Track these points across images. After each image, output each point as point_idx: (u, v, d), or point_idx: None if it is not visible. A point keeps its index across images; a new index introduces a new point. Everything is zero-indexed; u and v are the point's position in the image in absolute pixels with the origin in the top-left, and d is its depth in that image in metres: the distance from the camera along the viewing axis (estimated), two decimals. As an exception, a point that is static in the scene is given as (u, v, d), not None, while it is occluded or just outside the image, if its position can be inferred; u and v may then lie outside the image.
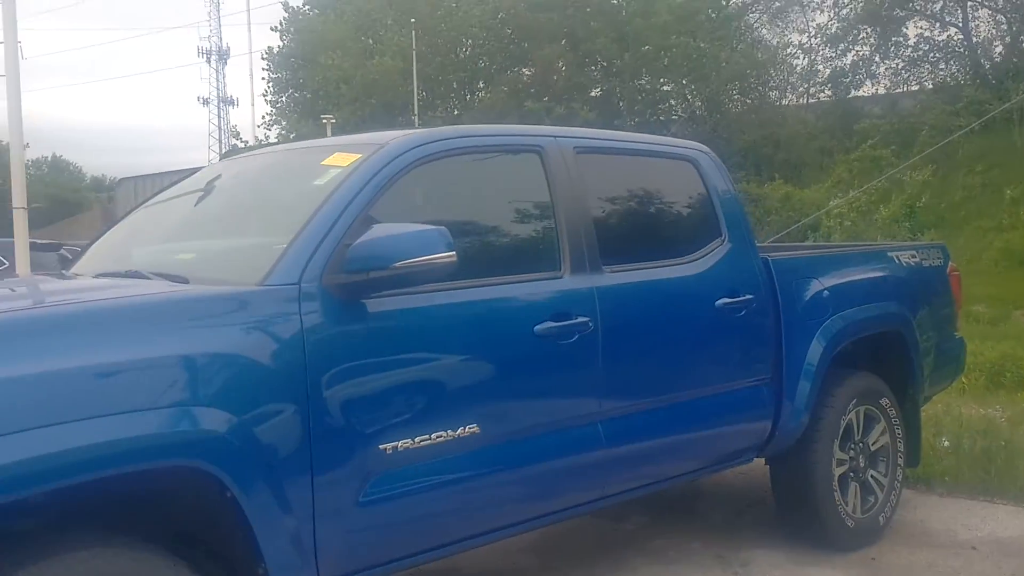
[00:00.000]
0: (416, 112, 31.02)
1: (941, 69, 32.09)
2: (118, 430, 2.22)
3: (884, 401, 4.56)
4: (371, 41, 35.16)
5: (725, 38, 32.44)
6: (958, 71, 31.24)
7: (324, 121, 27.82)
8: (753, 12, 34.99)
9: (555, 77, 33.46)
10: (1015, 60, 29.20)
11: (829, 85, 33.91)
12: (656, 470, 3.77)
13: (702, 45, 31.68)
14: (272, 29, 38.63)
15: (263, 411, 2.49)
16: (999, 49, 31.18)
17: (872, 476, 4.52)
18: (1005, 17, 30.69)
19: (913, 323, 4.69)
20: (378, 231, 2.75)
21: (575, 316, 3.30)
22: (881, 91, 33.35)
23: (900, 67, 32.89)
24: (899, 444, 4.64)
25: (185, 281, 2.82)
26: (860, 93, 33.67)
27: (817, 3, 33.75)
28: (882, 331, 4.63)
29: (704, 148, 4.33)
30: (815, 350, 4.17)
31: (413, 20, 32.18)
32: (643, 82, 34.11)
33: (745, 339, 4.00)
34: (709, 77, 31.83)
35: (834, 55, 33.42)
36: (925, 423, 5.23)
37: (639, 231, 3.97)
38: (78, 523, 2.35)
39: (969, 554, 4.35)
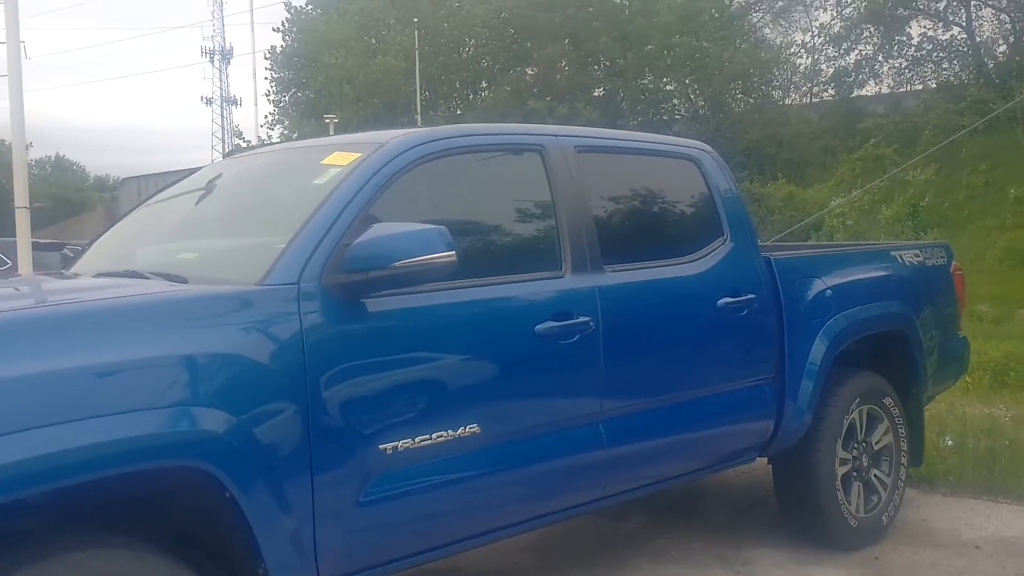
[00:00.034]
0: (419, 112, 31.01)
1: (944, 68, 32.05)
2: (116, 430, 2.21)
3: (887, 400, 4.55)
4: (374, 41, 35.20)
5: (728, 38, 32.41)
6: (962, 70, 31.17)
7: (327, 121, 27.86)
8: (756, 12, 34.95)
9: (558, 76, 33.45)
10: (1019, 59, 29.15)
11: (832, 84, 33.89)
12: (658, 470, 3.76)
13: (705, 44, 31.66)
14: (274, 30, 38.72)
15: (262, 411, 2.48)
16: (1003, 48, 31.13)
17: (875, 475, 4.50)
18: (1009, 16, 30.63)
19: (916, 322, 4.68)
20: (378, 230, 2.74)
21: (576, 316, 3.29)
22: (884, 90, 33.34)
23: (903, 66, 32.85)
24: (902, 443, 4.62)
25: (184, 281, 2.81)
26: (863, 92, 33.66)
27: (820, 2, 33.75)
28: (885, 330, 4.61)
29: (706, 147, 4.32)
30: (818, 349, 4.15)
31: (416, 20, 32.21)
32: (646, 82, 34.11)
33: (747, 339, 3.99)
34: (712, 77, 31.82)
35: (837, 54, 33.41)
36: (928, 422, 5.22)
37: (641, 230, 3.95)
38: (77, 523, 2.35)
39: (973, 553, 4.33)
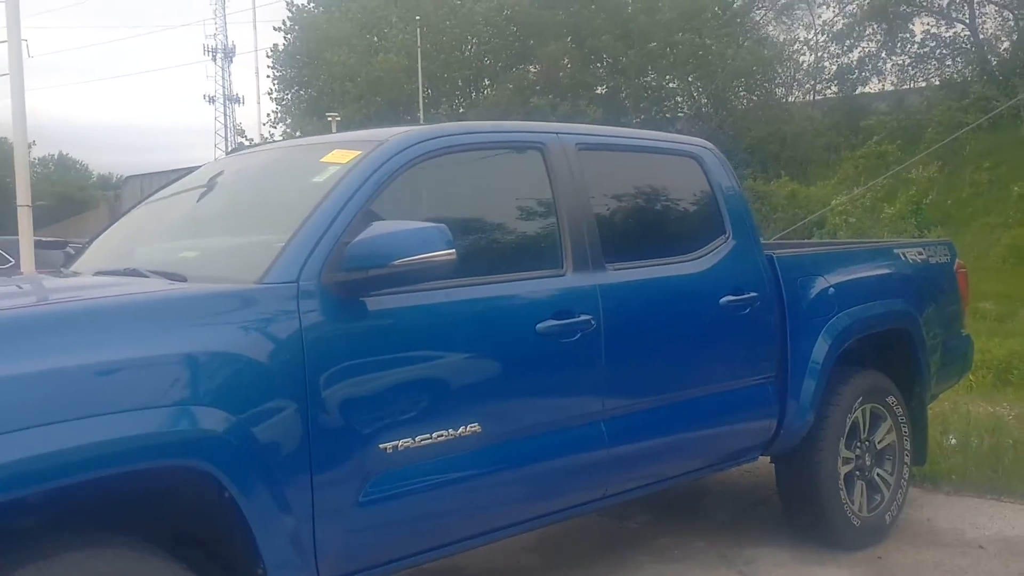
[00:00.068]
0: (421, 110, 31.01)
1: (948, 65, 31.98)
2: (112, 430, 2.19)
3: (890, 399, 4.53)
4: (376, 39, 35.21)
5: (731, 35, 32.36)
6: (965, 67, 31.10)
7: (329, 119, 27.87)
8: (759, 9, 34.89)
9: (560, 74, 33.43)
10: (1022, 56, 29.07)
11: (835, 82, 33.84)
12: (659, 469, 3.74)
13: (708, 42, 31.61)
14: (275, 29, 38.75)
15: (261, 410, 2.47)
16: (1006, 45, 31.03)
17: (878, 474, 4.48)
18: (1012, 13, 30.55)
19: (920, 320, 4.66)
20: (377, 228, 2.73)
21: (577, 314, 3.28)
22: (888, 88, 33.27)
23: (907, 64, 32.81)
24: (905, 442, 4.60)
25: (183, 279, 2.80)
26: (867, 90, 33.61)
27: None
28: (888, 329, 4.59)
29: (708, 144, 4.30)
30: (820, 348, 4.13)
31: (418, 17, 32.20)
32: (648, 79, 34.06)
33: (750, 337, 3.97)
34: (715, 74, 31.77)
35: (840, 52, 33.36)
36: (932, 421, 5.20)
37: (642, 228, 3.94)
38: (77, 523, 2.33)
39: (976, 553, 4.31)
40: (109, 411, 2.20)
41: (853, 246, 5.91)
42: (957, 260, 5.20)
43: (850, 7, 32.55)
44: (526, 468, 3.16)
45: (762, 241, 4.33)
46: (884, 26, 32.01)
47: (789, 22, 34.92)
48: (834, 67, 33.72)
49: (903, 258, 4.81)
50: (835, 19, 33.16)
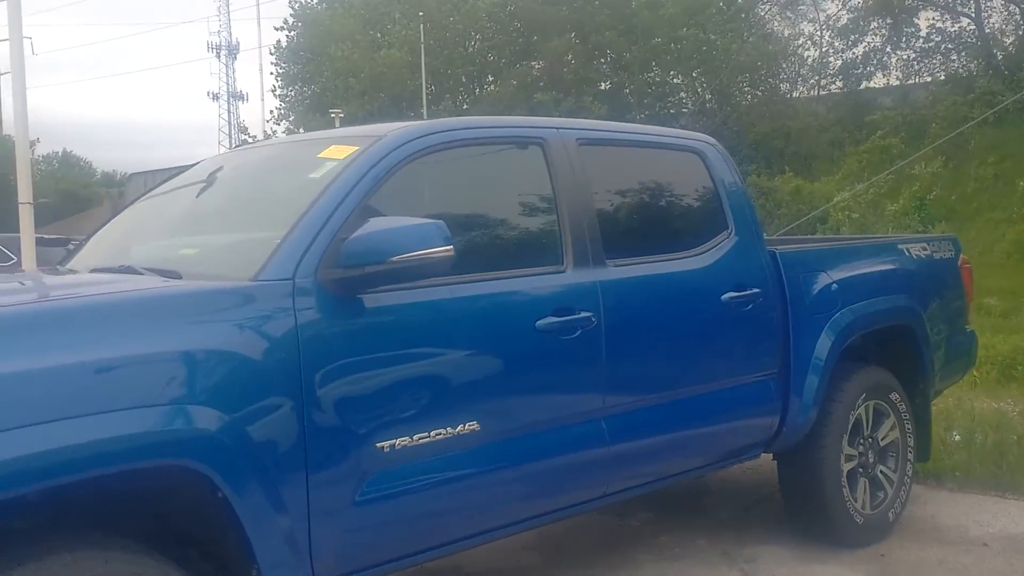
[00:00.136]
0: (424, 106, 30.98)
1: (953, 60, 31.86)
2: (103, 429, 2.16)
3: (894, 396, 4.50)
4: (379, 35, 35.18)
5: (736, 30, 32.26)
6: (970, 62, 30.98)
7: (332, 115, 27.86)
8: (764, 4, 34.80)
9: (564, 70, 33.36)
10: (1028, 50, 28.98)
11: (840, 77, 33.73)
12: (661, 467, 3.72)
13: (712, 37, 31.53)
14: (276, 28, 38.76)
15: (256, 409, 2.44)
16: (1012, 39, 30.90)
17: (881, 471, 4.45)
18: (1018, 7, 30.41)
19: (923, 316, 4.63)
20: (374, 225, 2.70)
21: (578, 311, 3.25)
22: (893, 83, 33.16)
23: (911, 58, 32.69)
24: (909, 439, 4.58)
25: (178, 276, 2.78)
26: (872, 85, 33.51)
27: (827, -6, 33.57)
28: (892, 325, 4.56)
29: (710, 140, 4.27)
30: (823, 344, 4.11)
31: (421, 14, 32.14)
32: (652, 75, 33.99)
33: (752, 333, 3.94)
34: (719, 70, 31.68)
35: (844, 47, 33.26)
36: (936, 417, 5.17)
37: (643, 224, 3.91)
38: (71, 523, 2.31)
39: (980, 550, 4.28)
40: (98, 410, 2.17)
41: (856, 242, 5.87)
42: (961, 256, 5.17)
43: (855, 1, 32.43)
44: (525, 467, 3.13)
45: (765, 237, 4.30)
46: (889, 21, 31.89)
47: (793, 17, 34.83)
48: (839, 62, 33.64)
49: (907, 254, 4.78)
50: (839, 13, 33.06)
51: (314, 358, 2.57)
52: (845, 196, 20.81)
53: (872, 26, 32.53)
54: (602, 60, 34.96)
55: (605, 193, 3.67)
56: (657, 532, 4.63)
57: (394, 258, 2.64)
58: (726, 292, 3.81)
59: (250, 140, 36.44)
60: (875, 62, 33.25)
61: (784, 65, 33.68)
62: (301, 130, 32.96)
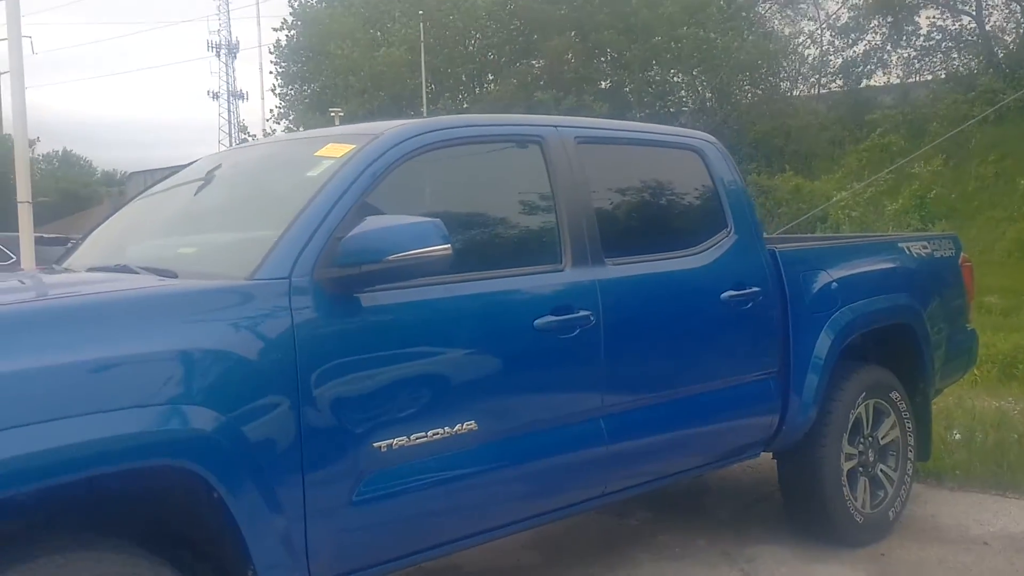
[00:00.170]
0: (424, 104, 30.96)
1: (954, 58, 31.82)
2: (99, 429, 2.14)
3: (894, 394, 4.49)
4: (379, 33, 35.15)
5: (736, 29, 32.23)
6: (971, 60, 30.95)
7: (332, 114, 27.84)
8: (764, 2, 34.76)
9: (564, 69, 33.34)
10: (1029, 48, 28.94)
11: (840, 75, 33.69)
12: (660, 466, 3.70)
13: (712, 36, 31.49)
14: (274, 30, 38.76)
15: (251, 409, 2.42)
16: (1013, 37, 30.87)
17: (881, 470, 4.44)
18: (1019, 4, 30.37)
19: (924, 315, 4.61)
20: (371, 223, 2.68)
21: (576, 310, 3.23)
22: (893, 81, 33.12)
23: (912, 56, 32.64)
24: (909, 438, 4.56)
25: (173, 275, 2.76)
26: (872, 83, 33.47)
27: (827, -8, 33.54)
28: (892, 323, 4.55)
29: (710, 138, 4.25)
30: (823, 343, 4.09)
31: (421, 12, 32.11)
32: (652, 73, 33.95)
33: (751, 332, 3.93)
34: (719, 68, 31.63)
35: (845, 45, 33.21)
36: (936, 416, 5.16)
37: (642, 223, 3.90)
38: (64, 524, 2.30)
39: (981, 550, 4.27)
40: (94, 410, 2.15)
41: (857, 240, 5.85)
42: (962, 254, 5.15)
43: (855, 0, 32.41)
44: (524, 466, 3.12)
45: (765, 235, 4.29)
46: (889, 19, 31.85)
47: (794, 15, 34.81)
48: (839, 60, 33.60)
49: (907, 252, 4.77)
50: (840, 12, 33.03)
51: (310, 357, 2.56)
52: (845, 195, 20.79)
53: (872, 24, 32.49)
54: (602, 59, 34.93)
55: (604, 191, 3.65)
56: (656, 531, 4.61)
57: (391, 257, 2.62)
58: (725, 291, 3.80)
59: (250, 139, 36.43)
60: (875, 60, 33.22)
61: (784, 63, 33.65)
62: (301, 129, 32.95)
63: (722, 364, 3.84)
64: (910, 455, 4.56)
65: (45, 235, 12.60)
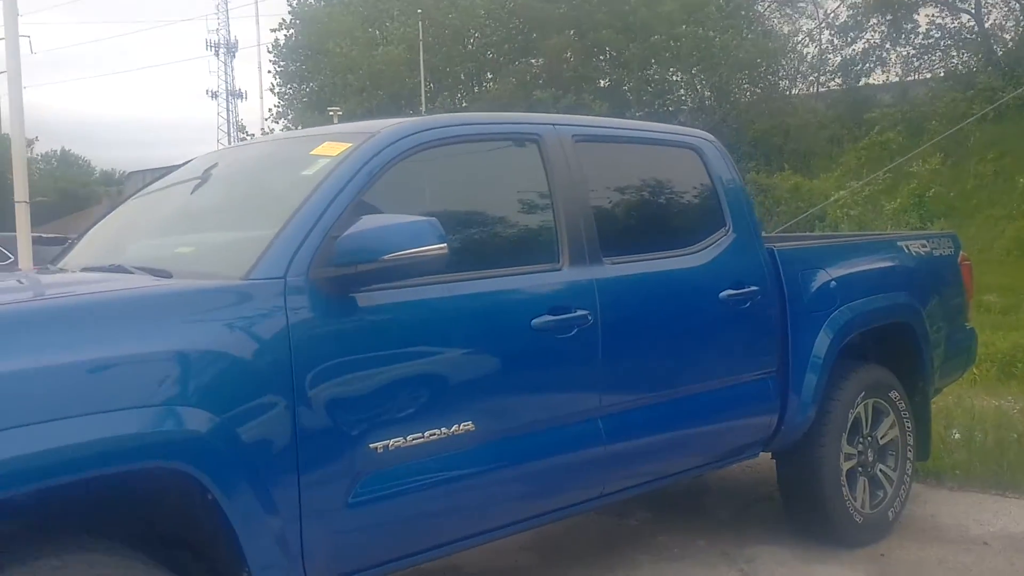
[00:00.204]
0: (423, 103, 30.94)
1: (953, 56, 31.81)
2: (88, 432, 2.12)
3: (893, 394, 4.47)
4: (377, 32, 35.13)
5: (735, 27, 32.21)
6: (970, 58, 30.94)
7: (331, 113, 27.82)
8: (762, 0, 34.74)
9: (563, 67, 33.32)
10: (1028, 46, 28.92)
11: (839, 74, 33.68)
12: (658, 467, 3.68)
13: (711, 34, 31.47)
14: (272, 31, 38.74)
15: (246, 410, 2.40)
16: (1012, 35, 30.86)
17: (881, 470, 4.42)
18: (1018, 2, 30.36)
19: (923, 314, 4.59)
20: (367, 223, 2.66)
21: (574, 309, 3.21)
22: (892, 79, 33.11)
23: (911, 55, 32.63)
24: (908, 437, 4.55)
25: (168, 275, 2.74)
26: (871, 81, 33.45)
27: (826, -10, 33.52)
28: (891, 322, 4.53)
29: (708, 136, 4.23)
30: (822, 342, 4.07)
31: (419, 11, 32.09)
32: (651, 72, 33.93)
33: (750, 331, 3.91)
34: (718, 67, 31.62)
35: (843, 44, 33.20)
36: (935, 415, 5.14)
37: (640, 221, 3.88)
38: (57, 526, 2.27)
39: (981, 550, 4.25)
40: (86, 412, 2.13)
41: (855, 239, 5.84)
42: (961, 252, 5.13)
43: (854, -3, 32.39)
44: (521, 467, 3.10)
45: (763, 234, 4.27)
46: (888, 17, 31.83)
47: (792, 14, 34.78)
48: (838, 59, 33.59)
49: (906, 251, 4.75)
50: (838, 10, 33.00)
51: (306, 358, 2.54)
52: (843, 193, 20.77)
53: (871, 22, 32.47)
54: (601, 57, 34.92)
55: (602, 190, 3.63)
56: (656, 532, 4.60)
57: (387, 256, 2.60)
58: (724, 290, 3.78)
59: (248, 138, 36.40)
60: (874, 59, 33.21)
61: (783, 62, 33.65)
62: (299, 128, 32.92)
63: (720, 364, 3.82)
64: (909, 455, 4.54)
65: (44, 235, 12.61)
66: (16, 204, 9.19)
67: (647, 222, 3.91)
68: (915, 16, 31.99)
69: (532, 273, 3.24)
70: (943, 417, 5.91)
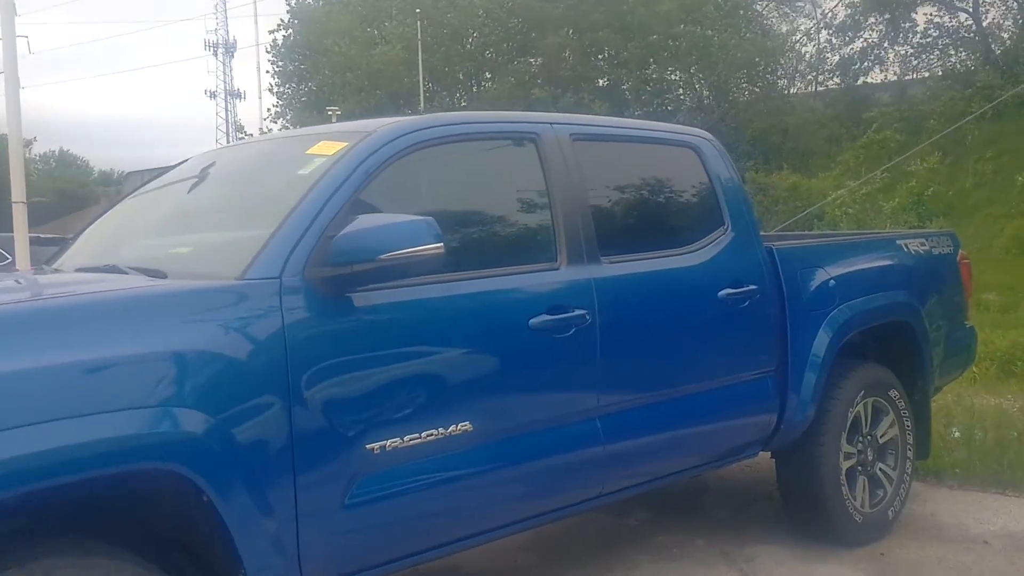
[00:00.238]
0: (422, 103, 30.93)
1: (951, 55, 31.81)
2: (84, 433, 2.10)
3: (893, 392, 4.45)
4: (376, 32, 35.14)
5: (733, 26, 32.21)
6: (968, 57, 30.94)
7: (329, 112, 27.80)
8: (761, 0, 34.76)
9: (562, 66, 33.32)
10: (1026, 44, 28.92)
11: (837, 73, 33.69)
12: (657, 466, 3.67)
13: (709, 33, 31.47)
14: (270, 32, 38.77)
15: (242, 411, 2.38)
16: (1010, 33, 30.85)
17: (880, 469, 4.41)
18: (1016, 1, 30.35)
19: (922, 312, 4.58)
20: (363, 222, 2.65)
21: (572, 309, 3.20)
22: (891, 78, 33.11)
23: (909, 54, 32.63)
24: (908, 436, 4.53)
25: (163, 276, 2.72)
26: (869, 80, 33.46)
27: (824, -11, 33.51)
28: (890, 321, 4.52)
29: (706, 134, 4.22)
30: (821, 341, 4.06)
31: (418, 10, 32.08)
32: (650, 71, 33.94)
33: (749, 330, 3.89)
34: (717, 66, 31.63)
35: (842, 43, 33.20)
36: (935, 414, 5.13)
37: (638, 220, 3.86)
38: (51, 528, 2.26)
39: (981, 548, 4.24)
40: (82, 413, 2.11)
41: (854, 238, 5.83)
42: (960, 251, 5.12)
43: (852, -4, 32.39)
44: (519, 467, 3.08)
45: (762, 233, 4.26)
46: (886, 16, 31.83)
47: (791, 13, 34.78)
48: (836, 58, 33.61)
49: (905, 249, 4.74)
50: (837, 9, 33.00)
51: (302, 358, 2.52)
52: (842, 192, 20.76)
53: (869, 22, 32.47)
54: (600, 57, 34.93)
55: (600, 189, 3.61)
56: (655, 532, 4.58)
57: (383, 256, 2.59)
58: (723, 289, 3.77)
59: (247, 138, 36.39)
60: (872, 57, 33.22)
61: (782, 61, 33.64)
62: (298, 127, 32.90)
63: (719, 363, 3.81)
64: (909, 453, 4.53)
65: (42, 235, 12.59)
66: (13, 204, 9.19)
67: (645, 221, 3.89)
68: (913, 15, 32.00)
69: (530, 272, 3.22)
70: (943, 416, 5.90)
